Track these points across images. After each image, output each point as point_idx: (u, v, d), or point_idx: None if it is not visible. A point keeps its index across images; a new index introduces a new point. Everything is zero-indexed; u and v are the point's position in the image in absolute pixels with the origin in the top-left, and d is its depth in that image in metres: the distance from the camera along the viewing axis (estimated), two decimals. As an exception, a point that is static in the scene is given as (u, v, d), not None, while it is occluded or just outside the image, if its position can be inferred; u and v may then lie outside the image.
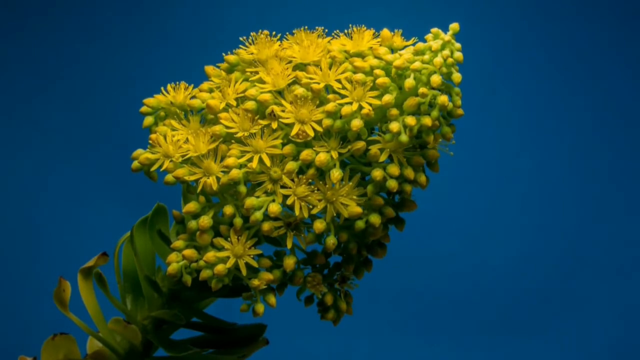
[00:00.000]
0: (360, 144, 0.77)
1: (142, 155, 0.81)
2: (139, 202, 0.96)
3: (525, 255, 1.67)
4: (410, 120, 0.76)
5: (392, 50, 0.81)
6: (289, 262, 0.79)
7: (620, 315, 1.65)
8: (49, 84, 1.65)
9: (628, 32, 1.71)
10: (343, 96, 0.78)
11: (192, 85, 0.85)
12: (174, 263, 0.79)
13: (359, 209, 0.77)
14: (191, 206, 0.79)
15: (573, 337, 1.64)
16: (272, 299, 0.80)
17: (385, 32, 0.82)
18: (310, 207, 0.77)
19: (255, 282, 0.79)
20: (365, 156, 0.78)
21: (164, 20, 1.68)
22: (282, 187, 0.77)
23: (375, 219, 0.79)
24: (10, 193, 1.62)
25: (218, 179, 0.78)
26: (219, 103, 0.81)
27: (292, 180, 0.77)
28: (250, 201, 0.77)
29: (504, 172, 1.68)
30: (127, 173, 0.82)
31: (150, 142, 0.81)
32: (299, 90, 0.79)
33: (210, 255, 0.77)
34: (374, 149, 0.77)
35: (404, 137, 0.77)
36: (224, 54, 0.85)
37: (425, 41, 0.80)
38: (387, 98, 0.77)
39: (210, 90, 0.83)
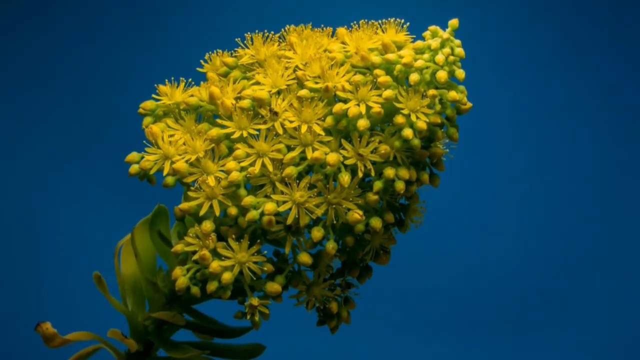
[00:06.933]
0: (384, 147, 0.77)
1: (143, 161, 0.80)
2: (139, 204, 0.96)
3: (526, 255, 1.67)
4: (422, 125, 0.76)
5: (397, 48, 0.81)
6: (305, 259, 0.79)
7: (621, 315, 1.65)
8: (49, 83, 1.65)
9: (630, 29, 1.71)
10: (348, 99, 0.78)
11: (192, 82, 0.85)
12: (182, 277, 0.79)
13: (358, 216, 0.77)
14: (186, 205, 0.79)
15: (573, 337, 1.64)
16: (266, 313, 0.79)
17: (389, 31, 0.82)
18: (310, 213, 0.77)
19: (255, 301, 0.78)
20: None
21: (164, 19, 1.67)
22: (282, 192, 0.77)
23: (376, 222, 0.78)
24: (10, 194, 1.62)
25: (218, 179, 0.78)
26: (220, 93, 0.80)
27: (289, 185, 0.77)
28: (248, 199, 0.77)
29: (504, 171, 1.68)
30: (128, 174, 0.81)
31: (146, 133, 0.81)
32: (303, 92, 0.78)
33: (215, 264, 0.77)
34: (383, 148, 0.77)
35: (415, 142, 0.77)
36: (221, 58, 0.85)
37: (423, 39, 0.80)
38: (388, 93, 0.77)
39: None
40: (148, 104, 0.84)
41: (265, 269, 0.79)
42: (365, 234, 0.81)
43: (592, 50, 1.71)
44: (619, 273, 1.66)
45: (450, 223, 1.65)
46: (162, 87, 0.84)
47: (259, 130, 0.78)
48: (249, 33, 0.85)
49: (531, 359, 1.64)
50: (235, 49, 0.85)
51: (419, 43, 0.79)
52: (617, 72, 1.71)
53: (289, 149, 0.78)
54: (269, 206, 0.76)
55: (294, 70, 0.80)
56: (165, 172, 0.79)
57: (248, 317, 0.79)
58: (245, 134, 0.78)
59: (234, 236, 0.78)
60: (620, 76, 1.71)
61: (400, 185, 0.77)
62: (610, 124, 1.70)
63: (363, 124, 0.76)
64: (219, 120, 0.80)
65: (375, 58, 0.79)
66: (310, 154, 0.77)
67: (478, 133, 1.65)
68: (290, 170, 0.77)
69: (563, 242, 1.67)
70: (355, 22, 0.83)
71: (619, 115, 1.71)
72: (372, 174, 0.77)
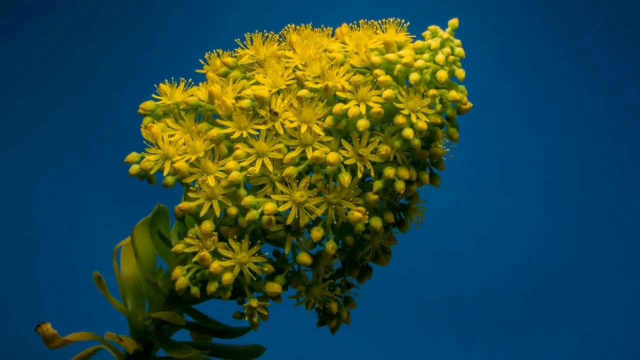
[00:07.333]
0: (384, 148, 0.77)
1: (144, 162, 0.80)
2: (139, 204, 0.97)
3: (527, 254, 1.67)
4: (422, 125, 0.76)
5: (397, 48, 0.80)
6: (305, 259, 0.78)
7: (621, 316, 1.65)
8: (49, 83, 1.65)
9: (630, 29, 1.71)
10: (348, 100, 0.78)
11: (192, 82, 0.85)
12: (182, 277, 0.78)
13: (359, 214, 0.77)
14: (186, 204, 0.79)
15: (574, 338, 1.64)
16: (265, 314, 0.79)
17: (389, 31, 0.82)
18: (310, 213, 0.77)
19: (253, 303, 0.78)
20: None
21: (164, 19, 1.67)
22: (282, 192, 0.77)
23: (376, 222, 0.78)
24: (9, 195, 1.62)
25: (218, 179, 0.78)
26: (220, 92, 0.80)
27: (289, 185, 0.77)
28: (248, 199, 0.77)
29: (504, 171, 1.68)
30: (128, 174, 0.81)
31: (144, 134, 0.81)
32: (303, 92, 0.78)
33: (216, 264, 0.77)
34: (385, 149, 0.77)
35: (416, 142, 0.77)
36: (220, 59, 0.85)
37: (423, 39, 0.80)
38: (388, 93, 0.77)
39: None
40: (148, 105, 0.84)
41: (266, 269, 0.79)
42: (365, 234, 0.81)
43: (593, 50, 1.71)
44: (619, 273, 1.66)
45: (451, 223, 1.65)
46: (163, 86, 0.84)
47: (258, 130, 0.78)
48: (248, 33, 0.85)
49: (531, 359, 1.64)
50: (235, 49, 0.85)
51: (419, 43, 0.79)
52: (618, 72, 1.71)
53: (289, 149, 0.77)
54: (269, 206, 0.76)
55: (294, 70, 0.80)
56: (165, 172, 0.79)
57: (246, 318, 0.79)
58: (245, 134, 0.78)
59: (235, 236, 0.78)
60: (620, 76, 1.70)
61: (400, 185, 0.77)
62: (611, 124, 1.70)
63: (363, 124, 0.76)
64: (218, 121, 0.80)
65: (375, 58, 0.78)
66: (310, 154, 0.77)
67: (478, 133, 1.65)
68: (290, 170, 0.77)
69: (563, 242, 1.67)
70: (354, 22, 0.83)
71: (620, 115, 1.70)
72: (372, 174, 0.77)
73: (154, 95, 0.84)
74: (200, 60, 0.86)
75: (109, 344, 0.87)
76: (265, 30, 0.84)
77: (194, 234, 0.78)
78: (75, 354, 0.86)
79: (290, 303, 0.82)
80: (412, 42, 0.80)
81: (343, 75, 0.78)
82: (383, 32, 0.82)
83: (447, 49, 0.78)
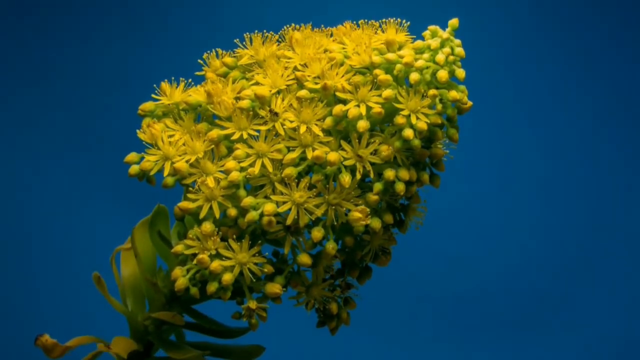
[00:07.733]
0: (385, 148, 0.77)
1: (144, 162, 0.80)
2: (139, 204, 0.97)
3: (528, 254, 1.67)
4: (422, 125, 0.76)
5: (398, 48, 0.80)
6: (305, 260, 0.78)
7: (623, 316, 1.65)
8: (48, 83, 1.64)
9: (632, 27, 1.71)
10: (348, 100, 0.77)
11: (192, 83, 0.84)
12: (181, 278, 0.78)
13: (359, 214, 0.77)
14: (186, 204, 0.79)
15: (575, 338, 1.64)
16: (263, 316, 0.79)
17: (389, 31, 0.81)
18: (310, 214, 0.77)
19: (252, 304, 0.78)
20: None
21: (164, 19, 1.67)
22: (281, 193, 0.77)
23: (375, 223, 0.78)
24: (8, 195, 1.62)
25: (217, 180, 0.78)
26: (219, 91, 0.80)
27: (288, 185, 0.77)
28: (248, 200, 0.77)
29: (506, 171, 1.68)
30: (127, 175, 0.81)
31: (141, 137, 0.81)
32: (302, 92, 0.78)
33: (216, 264, 0.77)
34: (386, 150, 0.77)
35: (416, 142, 0.77)
36: (219, 59, 0.85)
37: (423, 39, 0.80)
38: (388, 93, 0.77)
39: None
40: (147, 105, 0.84)
41: (266, 270, 0.78)
42: (364, 235, 0.81)
43: (593, 50, 1.71)
44: (619, 273, 1.66)
45: (451, 223, 1.65)
46: (164, 85, 0.84)
47: (258, 130, 0.78)
48: (248, 33, 0.85)
49: (531, 359, 1.64)
50: (234, 49, 0.85)
51: (419, 43, 0.79)
52: (618, 72, 1.70)
53: (289, 149, 0.77)
54: (269, 207, 0.76)
55: (294, 71, 0.80)
56: (165, 173, 0.79)
57: (245, 319, 0.78)
58: (245, 135, 0.78)
59: (234, 236, 0.78)
60: (621, 76, 1.70)
61: (400, 187, 0.77)
62: (611, 124, 1.70)
63: (363, 125, 0.76)
64: (218, 121, 0.80)
65: (376, 57, 0.78)
66: (310, 154, 0.76)
67: (478, 133, 1.65)
68: (290, 171, 0.76)
69: (563, 242, 1.67)
70: (354, 22, 0.83)
71: (620, 115, 1.70)
72: (372, 175, 0.77)
73: (153, 95, 0.84)
74: (200, 61, 0.86)
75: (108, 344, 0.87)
76: (264, 31, 0.84)
77: (194, 235, 0.78)
78: (76, 356, 0.86)
79: (290, 303, 0.82)
80: (412, 42, 0.80)
81: (343, 76, 0.78)
82: (383, 32, 0.82)
83: (447, 49, 0.78)
